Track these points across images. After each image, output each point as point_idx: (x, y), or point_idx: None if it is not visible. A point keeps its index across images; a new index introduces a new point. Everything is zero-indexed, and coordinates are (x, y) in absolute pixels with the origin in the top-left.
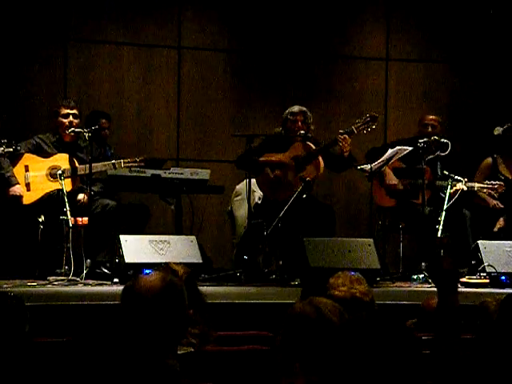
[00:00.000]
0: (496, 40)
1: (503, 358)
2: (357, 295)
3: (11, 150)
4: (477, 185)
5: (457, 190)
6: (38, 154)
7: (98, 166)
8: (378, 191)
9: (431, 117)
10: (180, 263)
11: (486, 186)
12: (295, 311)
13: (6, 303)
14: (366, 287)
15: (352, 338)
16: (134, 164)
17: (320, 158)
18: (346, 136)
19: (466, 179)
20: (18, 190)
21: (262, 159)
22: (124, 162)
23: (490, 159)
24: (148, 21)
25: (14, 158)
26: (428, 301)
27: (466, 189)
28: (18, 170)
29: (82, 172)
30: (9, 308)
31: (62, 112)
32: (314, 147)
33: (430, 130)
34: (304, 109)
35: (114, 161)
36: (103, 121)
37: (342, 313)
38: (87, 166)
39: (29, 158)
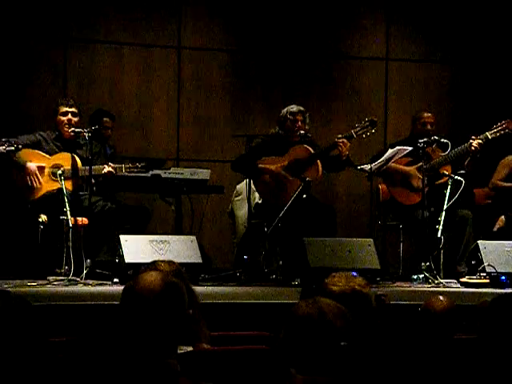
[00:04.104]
0: (496, 40)
1: (503, 358)
2: (356, 287)
3: (13, 148)
4: (489, 133)
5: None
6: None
7: (99, 169)
8: (399, 192)
9: (428, 114)
10: (169, 261)
11: (497, 129)
12: (298, 311)
13: (12, 303)
14: (362, 280)
15: (354, 341)
16: (134, 170)
17: (319, 163)
18: (345, 140)
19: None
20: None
21: (260, 166)
22: (125, 168)
23: (511, 157)
24: (148, 21)
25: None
26: (431, 302)
27: (482, 142)
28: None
29: (83, 174)
30: (15, 308)
31: (61, 110)
32: (312, 151)
33: (429, 127)
34: (302, 108)
35: (115, 165)
36: (106, 120)
37: (344, 314)
38: (88, 167)
39: (33, 155)
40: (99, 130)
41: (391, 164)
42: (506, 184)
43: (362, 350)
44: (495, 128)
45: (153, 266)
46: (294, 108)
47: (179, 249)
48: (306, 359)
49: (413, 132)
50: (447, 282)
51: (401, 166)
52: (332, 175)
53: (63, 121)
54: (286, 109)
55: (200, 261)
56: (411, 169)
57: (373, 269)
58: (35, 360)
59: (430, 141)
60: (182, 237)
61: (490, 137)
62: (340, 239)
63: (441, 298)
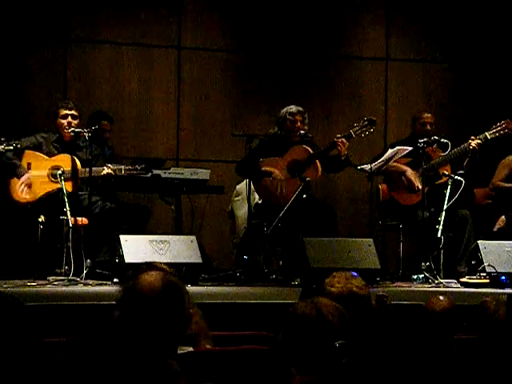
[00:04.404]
0: (496, 40)
1: (504, 358)
2: (354, 290)
3: (11, 147)
4: (488, 133)
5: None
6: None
7: (98, 171)
8: (400, 193)
9: (428, 115)
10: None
11: (497, 129)
12: (297, 311)
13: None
14: (361, 282)
15: (352, 340)
16: (134, 172)
17: (318, 163)
18: (344, 140)
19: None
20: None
21: (263, 169)
22: (125, 169)
23: (511, 157)
24: (148, 21)
25: (16, 154)
26: (431, 302)
27: (481, 142)
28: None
29: (82, 175)
30: (7, 309)
31: (61, 113)
32: (311, 151)
33: (428, 127)
34: (301, 109)
35: (114, 166)
36: (105, 123)
37: (343, 314)
38: (87, 169)
39: (32, 156)
40: (98, 131)
41: (391, 163)
42: (506, 185)
43: (360, 350)
44: (494, 128)
45: (149, 266)
46: (293, 109)
47: (179, 249)
48: (305, 358)
49: (413, 132)
50: (447, 282)
51: (400, 165)
52: (332, 175)
53: (63, 123)
54: (285, 109)
55: (200, 261)
56: (409, 170)
57: (373, 269)
58: (28, 360)
59: (430, 141)
60: (182, 237)
61: (489, 137)
62: (340, 239)
63: (441, 297)
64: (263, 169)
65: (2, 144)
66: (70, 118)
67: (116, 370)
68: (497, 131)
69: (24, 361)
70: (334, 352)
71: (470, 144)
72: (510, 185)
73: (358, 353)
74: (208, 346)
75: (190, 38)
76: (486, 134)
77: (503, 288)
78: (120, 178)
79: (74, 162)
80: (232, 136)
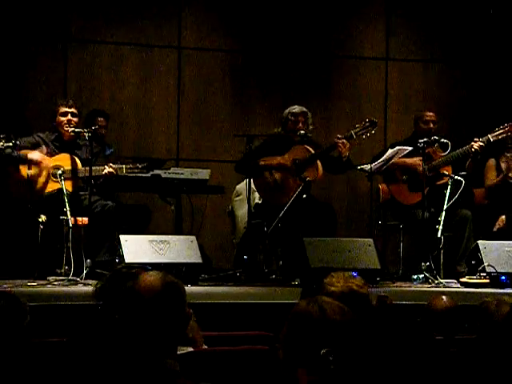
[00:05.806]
0: (495, 40)
1: (503, 358)
2: (354, 288)
3: (10, 144)
4: (491, 136)
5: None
6: None
7: (99, 170)
8: (399, 192)
9: (431, 113)
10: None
11: (499, 132)
12: (299, 309)
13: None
14: (360, 280)
15: (354, 338)
16: (135, 170)
17: (318, 162)
18: (345, 141)
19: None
20: (36, 154)
21: (262, 163)
22: (126, 168)
23: (493, 159)
24: (148, 21)
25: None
26: (434, 301)
27: (483, 144)
28: (21, 167)
29: (83, 174)
30: (6, 307)
31: (61, 110)
32: (312, 151)
33: (431, 126)
34: (304, 109)
35: (115, 165)
36: (100, 119)
37: (345, 313)
38: (88, 168)
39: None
40: (97, 130)
41: (395, 160)
42: (495, 180)
43: (361, 349)
44: (498, 131)
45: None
46: (295, 109)
47: (179, 249)
48: (307, 356)
49: (416, 132)
50: (447, 282)
51: (406, 160)
52: (332, 175)
53: (63, 121)
54: (288, 109)
55: (200, 261)
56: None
57: (373, 269)
58: (25, 358)
59: (430, 141)
60: (182, 237)
61: (492, 139)
62: (340, 239)
63: (443, 297)
64: (262, 163)
65: (0, 141)
66: (69, 116)
67: (115, 370)
68: (499, 134)
69: (21, 359)
70: (337, 351)
71: (472, 146)
72: (497, 179)
73: (356, 353)
74: (205, 346)
75: (190, 38)
76: (489, 136)
77: (503, 288)
78: (120, 177)
79: (73, 161)
80: (234, 136)
